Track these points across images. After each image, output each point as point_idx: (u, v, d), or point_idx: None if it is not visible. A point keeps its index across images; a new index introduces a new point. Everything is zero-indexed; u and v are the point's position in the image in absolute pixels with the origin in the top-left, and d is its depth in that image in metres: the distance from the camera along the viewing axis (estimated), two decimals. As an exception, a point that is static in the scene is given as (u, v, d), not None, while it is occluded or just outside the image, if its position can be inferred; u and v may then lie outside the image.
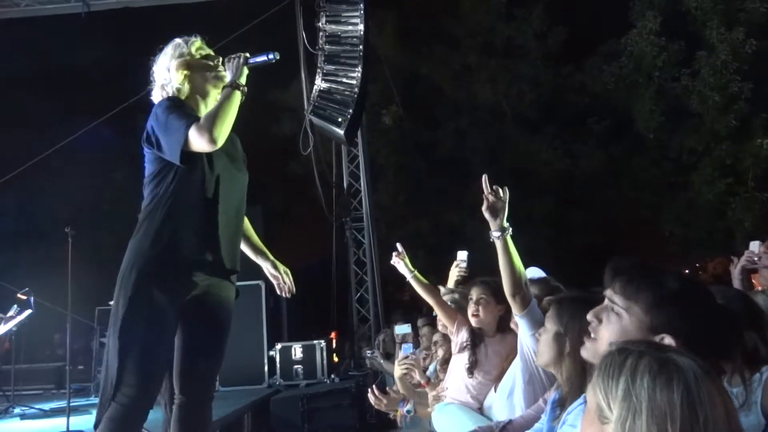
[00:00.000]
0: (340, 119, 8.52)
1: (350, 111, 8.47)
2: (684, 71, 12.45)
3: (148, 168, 2.46)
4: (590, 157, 13.30)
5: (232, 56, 2.55)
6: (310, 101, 8.80)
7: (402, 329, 4.48)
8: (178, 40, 2.63)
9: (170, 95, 2.53)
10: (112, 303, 2.40)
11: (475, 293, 3.07)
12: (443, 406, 3.06)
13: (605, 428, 1.05)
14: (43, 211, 11.09)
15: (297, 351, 7.34)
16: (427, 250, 12.45)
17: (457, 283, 3.75)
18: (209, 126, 2.30)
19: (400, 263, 3.28)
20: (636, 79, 13.03)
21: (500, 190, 2.46)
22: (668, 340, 1.39)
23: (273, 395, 6.44)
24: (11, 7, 8.85)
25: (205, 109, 2.55)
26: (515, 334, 2.85)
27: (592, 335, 1.54)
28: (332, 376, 7.33)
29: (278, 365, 7.17)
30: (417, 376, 3.62)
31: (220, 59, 2.62)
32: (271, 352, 7.22)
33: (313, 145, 8.98)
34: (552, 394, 2.17)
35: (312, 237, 11.76)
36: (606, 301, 1.52)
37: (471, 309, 3.08)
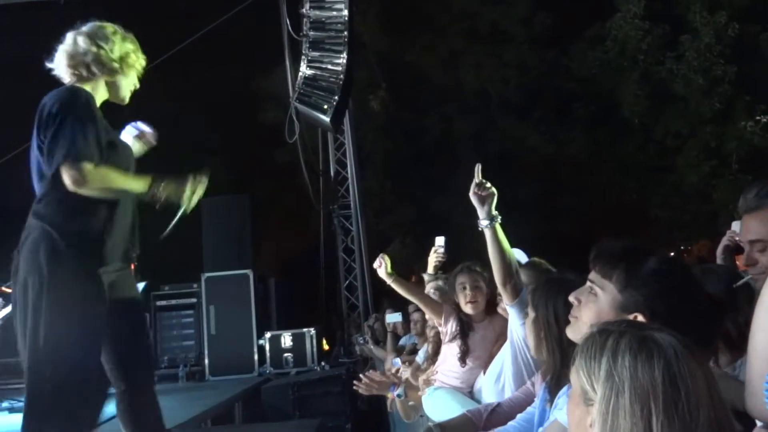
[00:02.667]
0: (326, 106, 8.44)
1: (336, 98, 8.40)
2: (668, 55, 12.49)
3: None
4: (576, 142, 13.35)
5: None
6: (295, 88, 8.72)
7: (393, 317, 4.52)
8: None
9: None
10: None
11: (469, 280, 3.08)
12: (433, 390, 3.08)
13: (590, 410, 1.06)
14: (21, 202, 10.99)
15: (287, 339, 7.34)
16: (414, 237, 12.48)
17: (436, 268, 3.79)
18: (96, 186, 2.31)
19: (381, 269, 3.29)
20: (621, 63, 13.06)
21: (488, 184, 2.45)
22: (640, 318, 1.40)
23: (263, 384, 6.44)
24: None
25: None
26: (502, 317, 2.92)
27: (576, 315, 1.55)
28: (322, 363, 7.34)
29: (268, 354, 7.17)
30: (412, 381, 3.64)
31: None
32: (261, 341, 7.23)
33: (298, 132, 8.91)
34: (539, 378, 2.20)
35: (300, 225, 11.73)
36: (588, 283, 1.52)
37: (467, 296, 3.09)
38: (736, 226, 3.33)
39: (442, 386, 3.10)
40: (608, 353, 1.05)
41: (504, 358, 2.74)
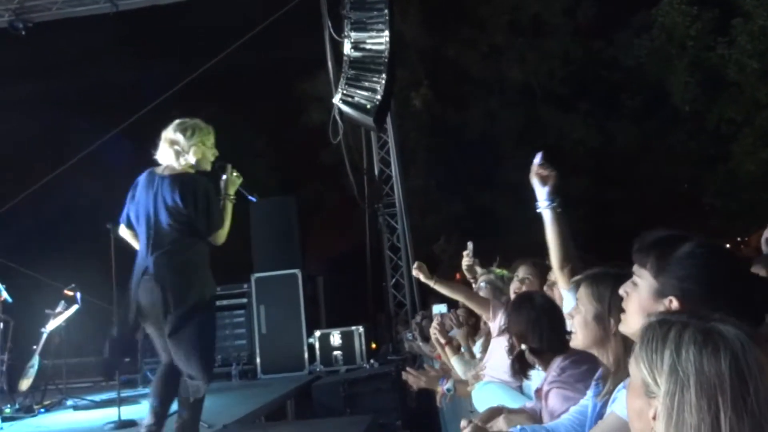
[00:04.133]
0: (368, 106, 8.51)
1: (378, 97, 8.45)
2: (719, 40, 12.05)
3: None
4: (624, 133, 13.02)
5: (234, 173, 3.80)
6: (338, 89, 8.82)
7: (439, 308, 4.57)
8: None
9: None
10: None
11: (521, 271, 3.07)
12: (483, 384, 3.08)
13: (652, 402, 1.04)
14: (82, 210, 11.38)
15: (336, 337, 7.42)
16: (460, 234, 12.40)
17: (470, 268, 3.83)
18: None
19: (421, 275, 3.31)
20: (669, 50, 12.68)
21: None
22: (675, 303, 1.37)
23: (314, 381, 6.52)
24: (44, 11, 9.04)
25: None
26: None
27: (624, 308, 1.54)
28: (371, 361, 7.40)
29: (318, 352, 7.26)
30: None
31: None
32: (311, 340, 7.31)
33: (342, 133, 9.01)
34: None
35: (346, 225, 11.79)
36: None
37: (514, 286, 3.08)
38: None
39: (491, 380, 3.09)
40: (671, 346, 1.02)
41: None
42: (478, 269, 3.82)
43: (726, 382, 0.97)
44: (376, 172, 10.19)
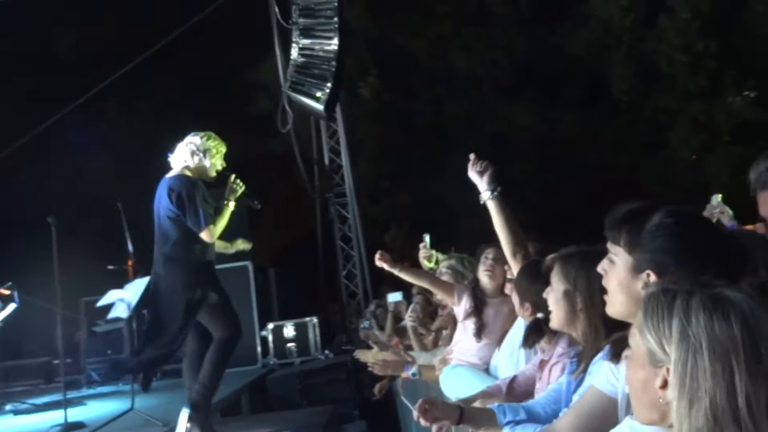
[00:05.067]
0: (319, 94, 8.42)
1: (329, 85, 8.37)
2: (649, 33, 12.44)
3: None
4: (567, 121, 13.31)
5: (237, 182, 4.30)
6: (286, 77, 8.67)
7: (394, 297, 4.60)
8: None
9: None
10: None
11: (492, 252, 3.12)
12: (451, 368, 3.10)
13: (659, 371, 1.05)
14: (19, 202, 10.86)
15: (289, 329, 7.39)
16: (411, 222, 12.47)
17: (428, 258, 3.99)
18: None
19: (384, 264, 3.31)
20: (606, 41, 13.00)
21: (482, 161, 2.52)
22: (652, 277, 1.36)
23: (268, 374, 6.48)
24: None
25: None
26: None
27: (607, 289, 1.52)
28: (326, 351, 7.40)
29: (271, 345, 7.22)
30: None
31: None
32: (263, 332, 7.24)
33: (292, 122, 8.86)
34: (554, 350, 2.19)
35: (296, 215, 11.64)
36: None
37: (486, 265, 3.13)
38: (714, 200, 3.43)
39: (459, 363, 3.12)
40: (679, 313, 1.02)
41: (517, 334, 2.76)
42: (440, 256, 3.88)
43: (739, 345, 0.98)
44: (326, 162, 10.10)
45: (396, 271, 3.25)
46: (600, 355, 1.75)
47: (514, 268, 2.57)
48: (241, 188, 4.28)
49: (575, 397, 1.82)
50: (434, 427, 1.93)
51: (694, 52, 11.85)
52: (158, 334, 4.08)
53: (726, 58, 11.97)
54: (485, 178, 2.50)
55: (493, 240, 3.43)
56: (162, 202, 4.09)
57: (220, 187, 4.29)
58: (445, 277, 3.59)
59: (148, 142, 12.34)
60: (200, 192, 4.04)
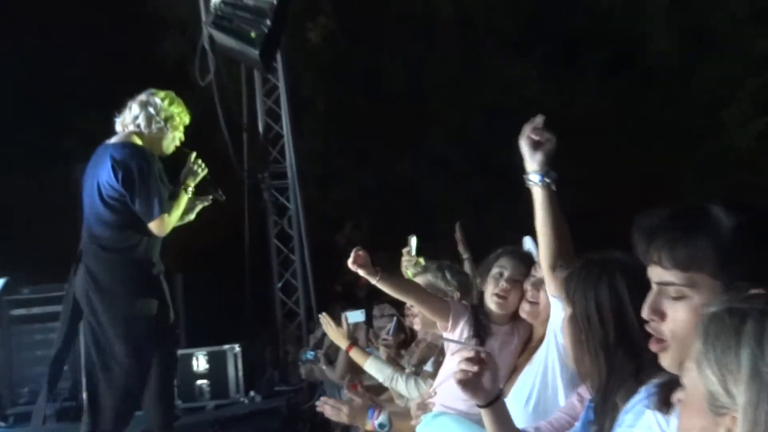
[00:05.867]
0: (253, 34, 8.29)
1: (268, 22, 8.26)
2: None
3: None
4: (588, 94, 13.44)
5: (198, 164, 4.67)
6: (208, 9, 8.54)
7: (354, 316, 4.64)
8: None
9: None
10: None
11: (509, 268, 3.13)
12: (432, 417, 3.12)
13: (720, 420, 1.08)
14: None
15: (200, 360, 7.45)
16: (373, 214, 12.45)
17: (413, 267, 4.11)
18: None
19: (360, 270, 3.26)
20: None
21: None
22: (754, 291, 1.36)
23: (169, 423, 6.36)
24: None
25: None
26: (527, 323, 3.10)
27: (661, 338, 1.54)
28: (251, 393, 7.45)
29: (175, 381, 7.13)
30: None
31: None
32: (163, 364, 7.16)
33: (214, 71, 8.73)
34: (585, 390, 2.28)
35: (216, 202, 11.47)
36: (655, 287, 1.52)
37: (498, 287, 3.14)
38: None
39: (444, 411, 3.14)
40: (750, 341, 1.04)
41: (537, 373, 2.83)
42: (427, 264, 3.91)
43: None
44: (261, 129, 10.07)
45: (375, 280, 3.18)
46: (636, 401, 1.81)
47: (549, 283, 2.62)
48: (203, 171, 4.64)
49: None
50: None
51: (760, 6, 12.05)
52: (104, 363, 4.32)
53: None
54: (539, 155, 2.53)
55: (500, 243, 3.37)
56: (101, 176, 4.28)
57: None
58: None
59: (10, 90, 12.04)
60: (156, 170, 4.29)
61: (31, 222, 11.66)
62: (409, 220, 11.87)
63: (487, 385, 2.09)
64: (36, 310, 7.35)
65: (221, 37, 8.44)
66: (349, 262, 3.17)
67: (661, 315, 1.51)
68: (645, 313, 1.54)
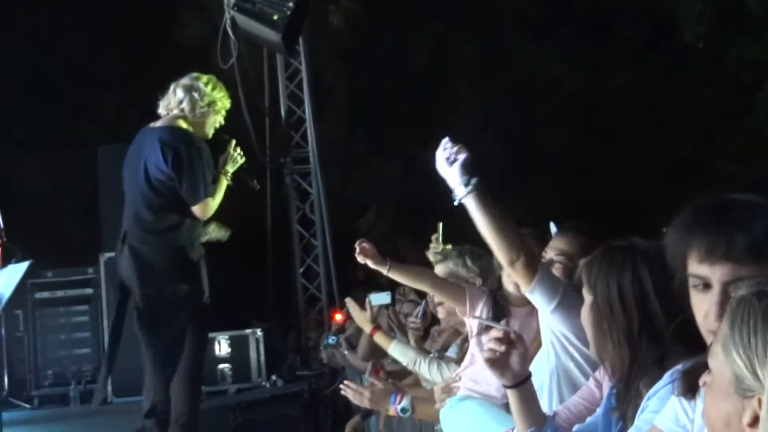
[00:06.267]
0: (276, 17, 8.32)
1: (291, 5, 8.29)
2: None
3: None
4: (620, 74, 13.35)
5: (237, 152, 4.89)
6: (231, -7, 8.66)
7: (380, 299, 4.58)
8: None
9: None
10: None
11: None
12: (457, 401, 3.13)
13: (747, 403, 1.07)
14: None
15: (222, 345, 7.47)
16: (399, 200, 12.45)
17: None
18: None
19: (368, 261, 3.37)
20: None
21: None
22: None
23: (192, 406, 6.44)
24: None
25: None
26: None
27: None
28: (273, 377, 7.50)
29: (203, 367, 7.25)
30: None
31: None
32: (186, 347, 7.25)
33: (236, 55, 8.76)
34: (603, 375, 2.30)
35: (238, 186, 11.47)
36: (719, 288, 1.44)
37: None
38: None
39: (470, 395, 3.15)
40: None
41: (543, 362, 2.84)
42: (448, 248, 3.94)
43: None
44: (283, 113, 10.05)
45: (385, 270, 3.23)
46: (661, 385, 1.81)
47: (519, 281, 2.67)
48: (242, 159, 4.86)
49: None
50: None
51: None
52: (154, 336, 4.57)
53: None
54: (455, 168, 2.58)
55: (526, 226, 3.39)
56: (149, 159, 4.49)
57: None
58: None
59: (25, 73, 12.20)
60: (205, 155, 4.53)
61: (54, 205, 11.84)
62: (433, 205, 11.87)
63: (515, 366, 2.10)
64: (60, 293, 7.52)
65: (243, 20, 8.49)
66: (356, 255, 3.26)
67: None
68: (714, 316, 1.45)
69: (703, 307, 1.47)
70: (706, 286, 1.46)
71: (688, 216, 1.51)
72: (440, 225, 4.33)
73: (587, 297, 2.05)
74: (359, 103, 13.80)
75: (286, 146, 9.96)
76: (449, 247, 4.23)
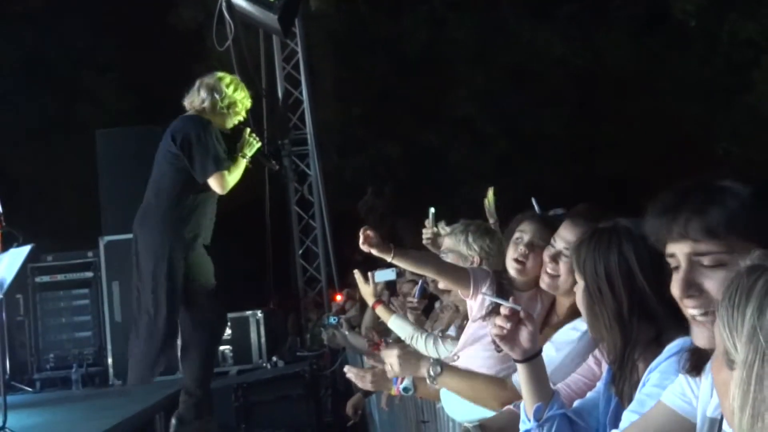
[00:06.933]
0: None
1: None
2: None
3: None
4: (617, 53, 13.32)
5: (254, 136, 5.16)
6: (227, -27, 8.55)
7: (385, 275, 4.48)
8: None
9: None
10: None
11: (528, 232, 3.00)
12: None
13: (734, 375, 1.06)
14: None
15: None
16: (395, 181, 12.45)
17: (433, 242, 4.01)
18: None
19: (372, 249, 3.21)
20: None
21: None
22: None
23: (193, 387, 6.47)
24: None
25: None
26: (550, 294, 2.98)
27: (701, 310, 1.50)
28: (274, 358, 7.50)
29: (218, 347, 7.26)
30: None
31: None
32: (186, 330, 7.26)
33: (232, 37, 8.75)
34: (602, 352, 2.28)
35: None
36: (686, 259, 1.48)
37: (517, 252, 3.02)
38: None
39: None
40: (755, 301, 1.02)
41: (563, 338, 2.76)
42: (443, 230, 3.86)
43: None
44: (280, 96, 10.06)
45: (390, 258, 3.21)
46: (663, 357, 1.84)
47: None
48: (258, 143, 5.13)
49: (628, 416, 1.88)
50: None
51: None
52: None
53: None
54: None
55: (526, 207, 3.35)
56: (163, 145, 4.84)
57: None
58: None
59: (22, 58, 12.18)
60: (212, 132, 4.74)
61: (54, 190, 11.86)
62: (432, 185, 11.88)
63: (524, 343, 2.10)
64: (60, 277, 7.51)
65: (239, 2, 8.48)
66: (360, 244, 3.25)
67: (698, 289, 1.48)
68: (679, 291, 1.50)
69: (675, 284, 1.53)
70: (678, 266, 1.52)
71: (658, 202, 1.55)
72: (431, 210, 4.21)
73: (579, 281, 2.07)
74: (357, 85, 13.78)
75: (284, 128, 9.95)
76: (441, 228, 4.13)
